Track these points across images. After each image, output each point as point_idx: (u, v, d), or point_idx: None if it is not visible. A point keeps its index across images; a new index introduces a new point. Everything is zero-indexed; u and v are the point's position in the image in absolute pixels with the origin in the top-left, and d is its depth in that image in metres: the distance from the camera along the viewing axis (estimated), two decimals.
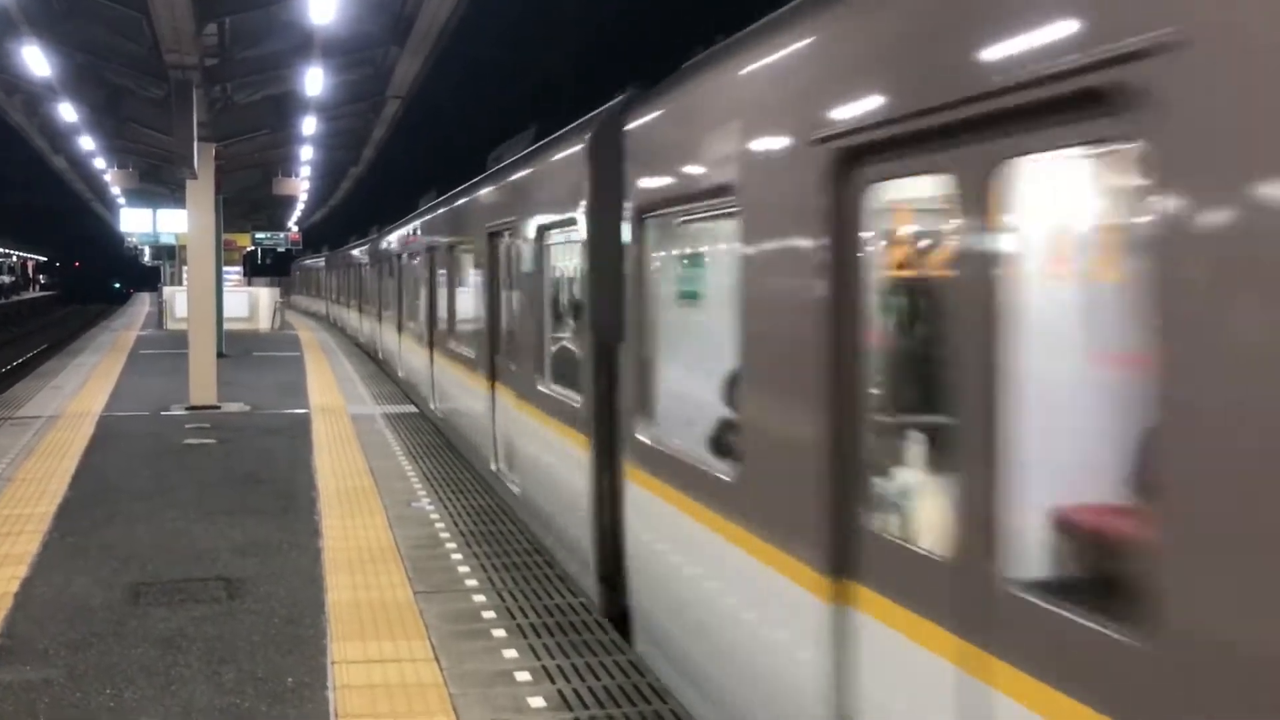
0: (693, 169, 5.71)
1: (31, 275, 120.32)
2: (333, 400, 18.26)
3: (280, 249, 50.36)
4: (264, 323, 37.84)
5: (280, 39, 16.85)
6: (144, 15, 13.25)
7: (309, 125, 21.89)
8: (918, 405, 4.04)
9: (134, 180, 28.09)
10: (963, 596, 3.37)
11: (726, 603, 5.24)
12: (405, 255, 19.38)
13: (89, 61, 17.27)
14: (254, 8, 14.94)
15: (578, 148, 7.74)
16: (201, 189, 17.63)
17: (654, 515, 6.41)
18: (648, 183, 6.47)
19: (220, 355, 19.69)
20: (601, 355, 7.18)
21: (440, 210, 15.38)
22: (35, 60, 15.65)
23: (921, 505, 3.89)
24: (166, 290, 38.81)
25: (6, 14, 14.98)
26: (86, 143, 25.60)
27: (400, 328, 20.28)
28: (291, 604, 7.45)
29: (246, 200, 35.36)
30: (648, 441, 6.50)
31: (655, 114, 6.45)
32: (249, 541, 9.06)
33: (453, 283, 14.09)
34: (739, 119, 5.05)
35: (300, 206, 46.02)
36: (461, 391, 12.95)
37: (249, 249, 45.68)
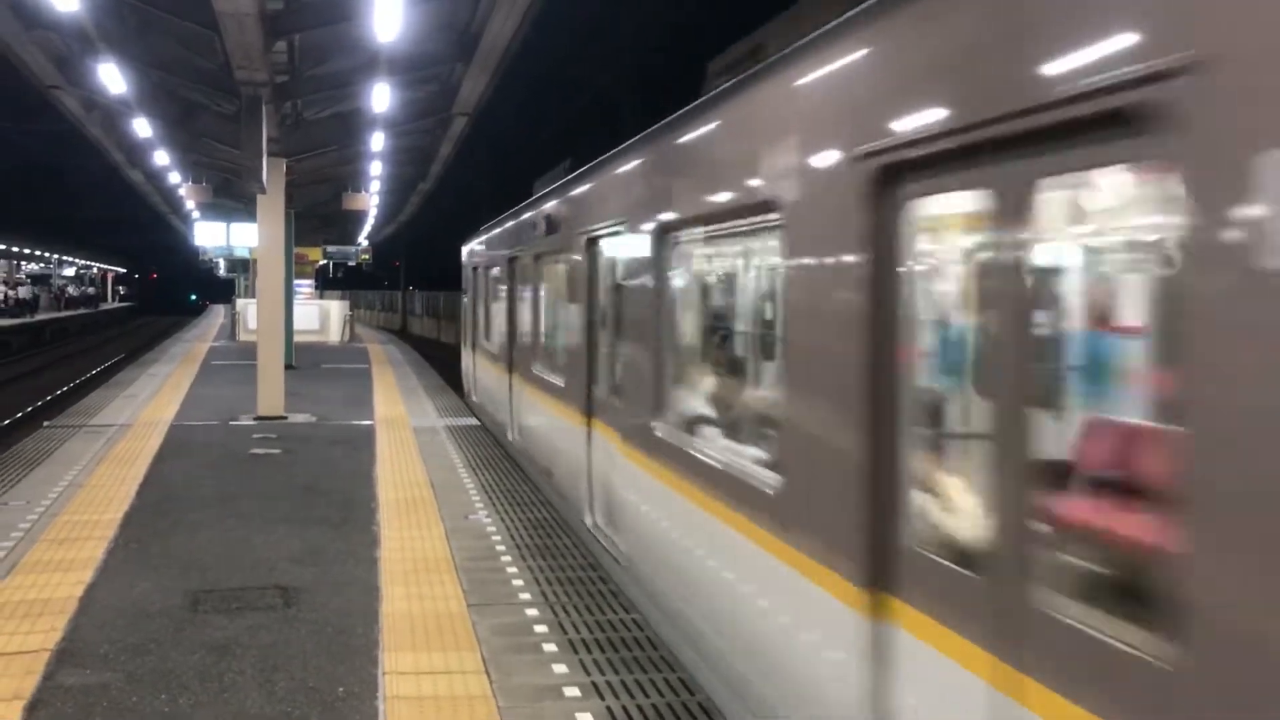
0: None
1: (111, 286, 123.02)
2: (397, 412, 18.44)
3: (350, 263, 51.03)
4: (334, 335, 38.36)
5: (348, 57, 17.09)
6: (215, 32, 13.51)
7: (377, 141, 22.17)
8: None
9: (208, 194, 28.65)
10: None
11: None
12: None
13: (162, 78, 17.65)
14: (321, 25, 15.17)
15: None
16: (271, 203, 17.93)
17: None
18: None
19: (289, 367, 19.99)
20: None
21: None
22: (111, 77, 16.04)
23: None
24: (239, 302, 39.47)
25: (84, 32, 15.38)
26: (161, 157, 26.16)
27: None
28: (346, 614, 7.51)
29: (317, 215, 35.86)
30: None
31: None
32: (308, 551, 9.17)
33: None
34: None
35: (370, 222, 46.60)
36: None
37: (320, 262, 46.39)
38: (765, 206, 5.31)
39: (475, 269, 19.67)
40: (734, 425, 6.52)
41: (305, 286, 41.06)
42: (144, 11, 14.73)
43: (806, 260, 4.79)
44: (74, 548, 9.11)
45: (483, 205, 56.09)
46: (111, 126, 24.98)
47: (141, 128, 20.88)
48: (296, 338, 27.53)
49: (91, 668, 6.46)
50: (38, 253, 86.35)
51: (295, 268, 31.21)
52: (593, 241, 9.45)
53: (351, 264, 52.73)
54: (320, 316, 38.55)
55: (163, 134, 21.70)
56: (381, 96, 17.40)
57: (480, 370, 18.69)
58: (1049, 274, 3.48)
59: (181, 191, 30.00)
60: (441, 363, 35.64)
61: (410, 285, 79.11)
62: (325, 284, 59.67)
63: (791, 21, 6.04)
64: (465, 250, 21.22)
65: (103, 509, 10.60)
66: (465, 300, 21.65)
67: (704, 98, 6.86)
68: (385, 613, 7.53)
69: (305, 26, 14.95)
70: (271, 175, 17.12)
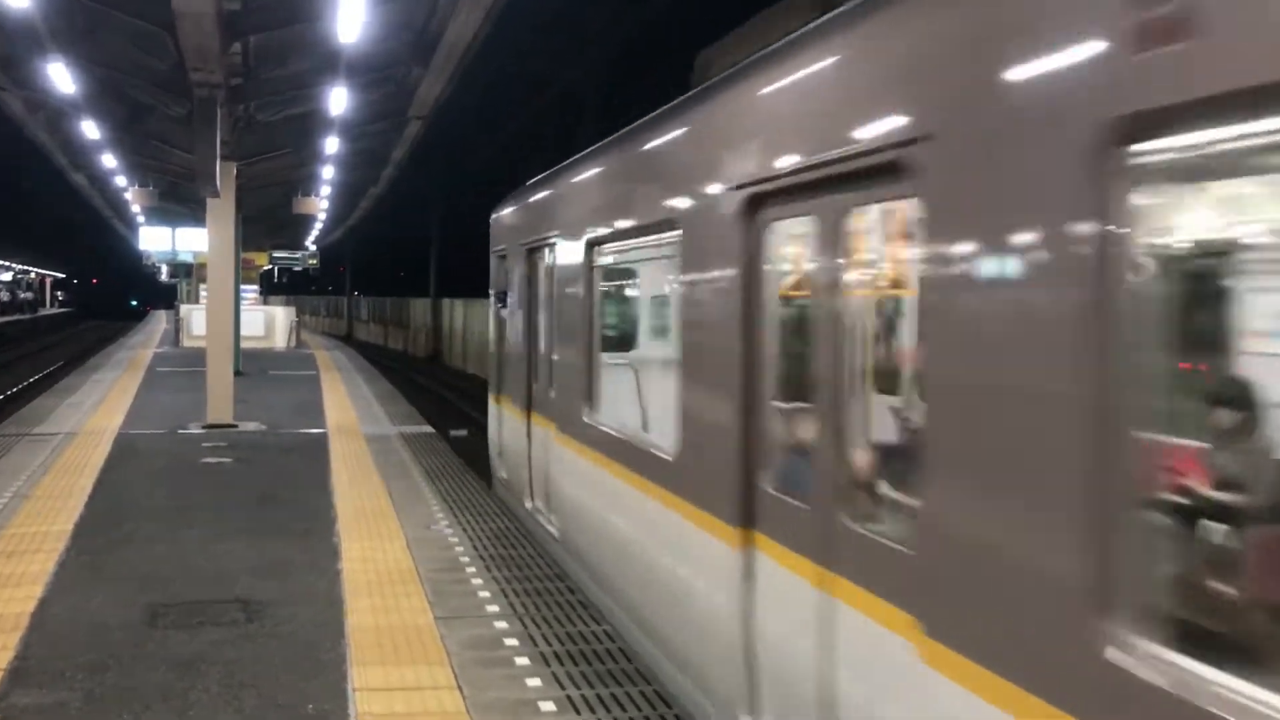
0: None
1: (50, 291, 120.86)
2: (349, 420, 18.19)
3: (297, 268, 50.51)
4: (280, 341, 37.90)
5: (303, 58, 16.84)
6: (169, 32, 13.23)
7: (331, 145, 21.90)
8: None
9: (153, 198, 28.17)
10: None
11: None
12: None
13: (112, 78, 17.27)
14: (279, 26, 14.92)
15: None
16: (222, 207, 17.62)
17: None
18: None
19: (237, 374, 19.63)
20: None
21: None
22: (59, 76, 15.66)
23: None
24: (183, 308, 38.89)
25: (32, 30, 15.00)
26: (108, 160, 25.66)
27: None
28: (311, 628, 7.33)
29: (268, 219, 35.44)
30: None
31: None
32: (267, 563, 8.95)
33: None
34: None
35: (318, 226, 46.13)
36: None
37: (266, 268, 45.82)
38: None
39: (532, 252, 10.66)
40: None
41: (250, 292, 40.46)
42: (94, 10, 14.39)
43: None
44: (23, 561, 8.83)
45: (434, 209, 55.79)
46: (56, 128, 24.45)
47: (88, 130, 20.44)
48: (242, 344, 27.09)
49: (48, 687, 6.22)
50: None
51: (241, 273, 30.75)
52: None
53: (298, 269, 52.15)
54: (266, 322, 38.10)
55: (110, 136, 21.26)
56: (337, 99, 17.16)
57: (560, 464, 9.27)
58: None
59: (127, 195, 29.49)
60: (388, 369, 35.39)
61: (355, 290, 78.40)
62: (269, 289, 58.97)
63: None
64: (503, 221, 12.49)
65: (51, 520, 10.31)
66: (504, 313, 12.36)
67: None
68: (352, 626, 7.35)
69: (263, 27, 14.69)
70: (223, 179, 16.81)
